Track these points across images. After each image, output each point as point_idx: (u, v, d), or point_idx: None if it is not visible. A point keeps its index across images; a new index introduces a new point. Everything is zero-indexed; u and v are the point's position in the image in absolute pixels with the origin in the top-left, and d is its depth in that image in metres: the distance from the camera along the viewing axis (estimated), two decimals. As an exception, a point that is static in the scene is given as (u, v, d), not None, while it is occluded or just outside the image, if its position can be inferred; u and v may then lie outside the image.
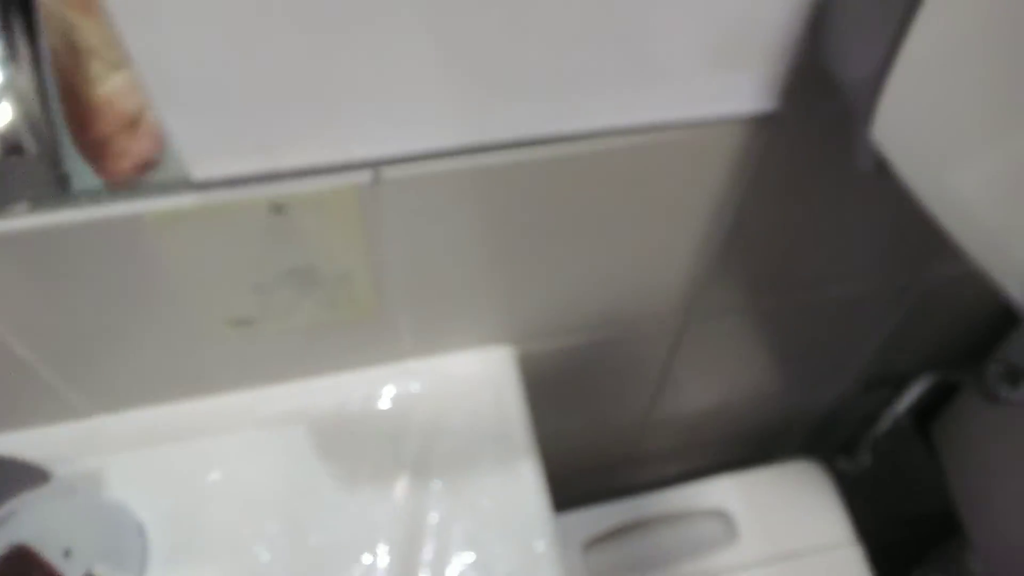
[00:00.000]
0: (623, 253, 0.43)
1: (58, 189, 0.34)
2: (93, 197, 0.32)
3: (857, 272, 0.51)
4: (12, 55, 0.34)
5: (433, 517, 0.44)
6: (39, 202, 0.32)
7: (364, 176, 0.33)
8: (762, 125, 0.36)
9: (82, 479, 0.43)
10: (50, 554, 0.32)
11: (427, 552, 0.43)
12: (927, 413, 0.76)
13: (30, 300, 0.36)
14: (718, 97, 0.34)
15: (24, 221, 0.32)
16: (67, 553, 0.34)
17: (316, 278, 0.38)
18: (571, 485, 0.68)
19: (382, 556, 0.42)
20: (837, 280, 0.51)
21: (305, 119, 0.30)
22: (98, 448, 0.44)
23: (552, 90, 0.32)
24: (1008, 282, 0.24)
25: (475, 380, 0.48)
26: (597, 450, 0.70)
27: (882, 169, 0.30)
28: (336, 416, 0.46)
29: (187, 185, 0.32)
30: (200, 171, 0.31)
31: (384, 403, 0.47)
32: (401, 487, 0.44)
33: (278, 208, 0.33)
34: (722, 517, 0.73)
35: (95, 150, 0.34)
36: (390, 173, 0.33)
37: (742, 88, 0.34)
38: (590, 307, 0.48)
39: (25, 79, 0.34)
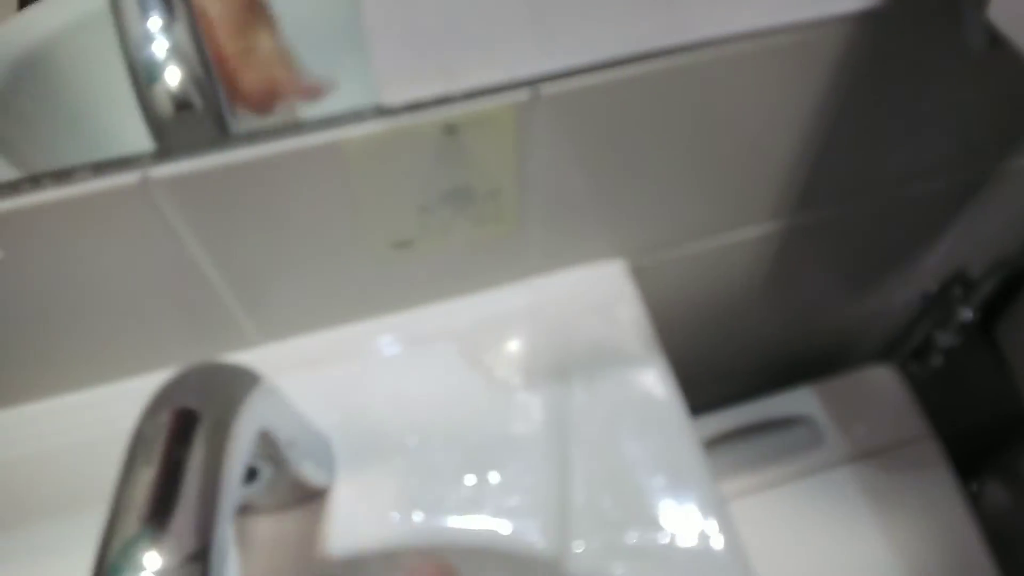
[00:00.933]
0: (728, 160, 0.48)
1: (223, 136, 0.39)
2: (296, 129, 0.37)
3: (939, 165, 0.55)
4: (171, 21, 0.39)
5: (576, 415, 0.48)
6: (253, 137, 0.36)
7: (523, 94, 0.38)
8: (865, 22, 0.40)
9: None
10: (281, 441, 0.38)
11: (575, 448, 0.48)
12: (991, 314, 0.80)
13: (228, 234, 0.41)
14: (823, -1, 0.38)
15: (242, 153, 0.36)
16: (291, 444, 0.39)
17: (470, 196, 0.43)
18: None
19: (534, 448, 0.47)
20: (923, 176, 0.55)
21: (475, 43, 0.35)
22: (272, 371, 0.49)
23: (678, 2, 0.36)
24: None
25: (598, 291, 0.52)
26: (690, 365, 0.74)
27: (994, 45, 0.34)
28: (477, 331, 0.51)
29: (373, 112, 0.37)
30: (390, 97, 0.36)
31: (518, 316, 0.52)
32: (543, 390, 0.49)
33: (451, 129, 0.38)
34: (807, 423, 0.77)
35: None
36: (546, 89, 0.38)
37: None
38: (694, 216, 0.53)
39: (186, 42, 0.39)
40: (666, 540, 0.44)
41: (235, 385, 0.35)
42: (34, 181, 0.35)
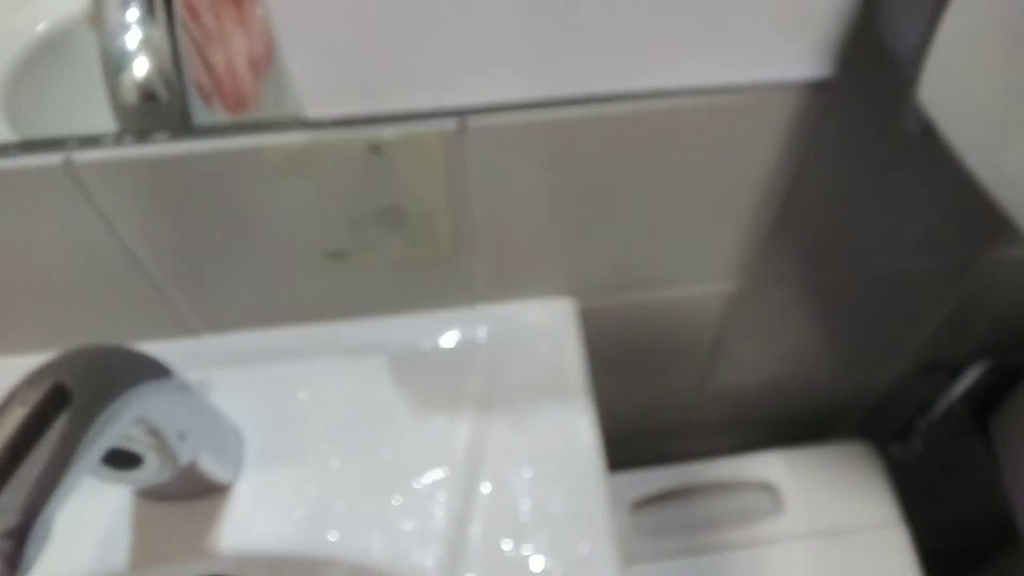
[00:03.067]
0: (681, 212, 0.46)
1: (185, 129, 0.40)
2: (221, 131, 0.37)
3: (914, 246, 0.53)
4: (150, 14, 0.40)
5: (493, 449, 0.48)
6: (177, 134, 0.37)
7: (451, 123, 0.38)
8: (818, 91, 0.39)
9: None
10: (167, 433, 0.38)
11: (485, 483, 0.47)
12: (987, 405, 0.76)
13: (160, 223, 0.42)
14: (778, 62, 0.37)
15: (164, 148, 0.37)
16: (181, 436, 0.39)
17: (403, 217, 0.43)
18: (622, 448, 0.71)
19: (444, 476, 0.47)
20: (893, 253, 0.53)
21: (404, 66, 0.35)
22: (205, 363, 0.50)
23: (626, 47, 0.35)
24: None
25: (539, 328, 0.52)
26: (649, 416, 0.73)
27: (928, 132, 0.33)
28: (410, 351, 0.51)
29: (300, 124, 0.37)
30: (314, 111, 0.36)
31: (453, 343, 0.51)
32: (465, 419, 0.49)
33: (376, 148, 0.38)
34: (768, 489, 0.75)
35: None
36: (474, 122, 0.38)
37: (801, 54, 0.37)
38: (647, 265, 0.51)
39: (160, 36, 0.40)
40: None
41: (125, 372, 0.35)
42: (-31, 150, 0.37)
